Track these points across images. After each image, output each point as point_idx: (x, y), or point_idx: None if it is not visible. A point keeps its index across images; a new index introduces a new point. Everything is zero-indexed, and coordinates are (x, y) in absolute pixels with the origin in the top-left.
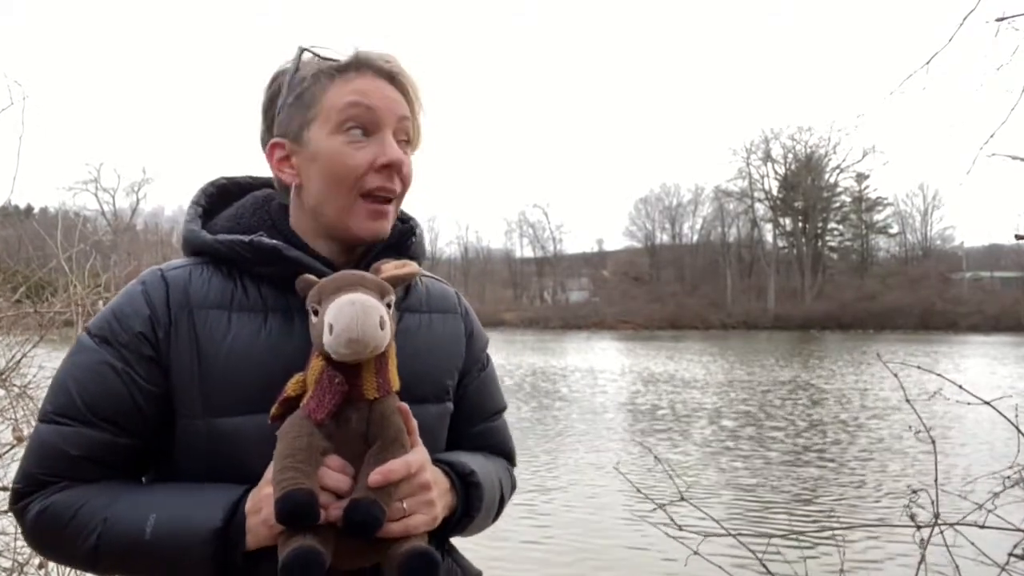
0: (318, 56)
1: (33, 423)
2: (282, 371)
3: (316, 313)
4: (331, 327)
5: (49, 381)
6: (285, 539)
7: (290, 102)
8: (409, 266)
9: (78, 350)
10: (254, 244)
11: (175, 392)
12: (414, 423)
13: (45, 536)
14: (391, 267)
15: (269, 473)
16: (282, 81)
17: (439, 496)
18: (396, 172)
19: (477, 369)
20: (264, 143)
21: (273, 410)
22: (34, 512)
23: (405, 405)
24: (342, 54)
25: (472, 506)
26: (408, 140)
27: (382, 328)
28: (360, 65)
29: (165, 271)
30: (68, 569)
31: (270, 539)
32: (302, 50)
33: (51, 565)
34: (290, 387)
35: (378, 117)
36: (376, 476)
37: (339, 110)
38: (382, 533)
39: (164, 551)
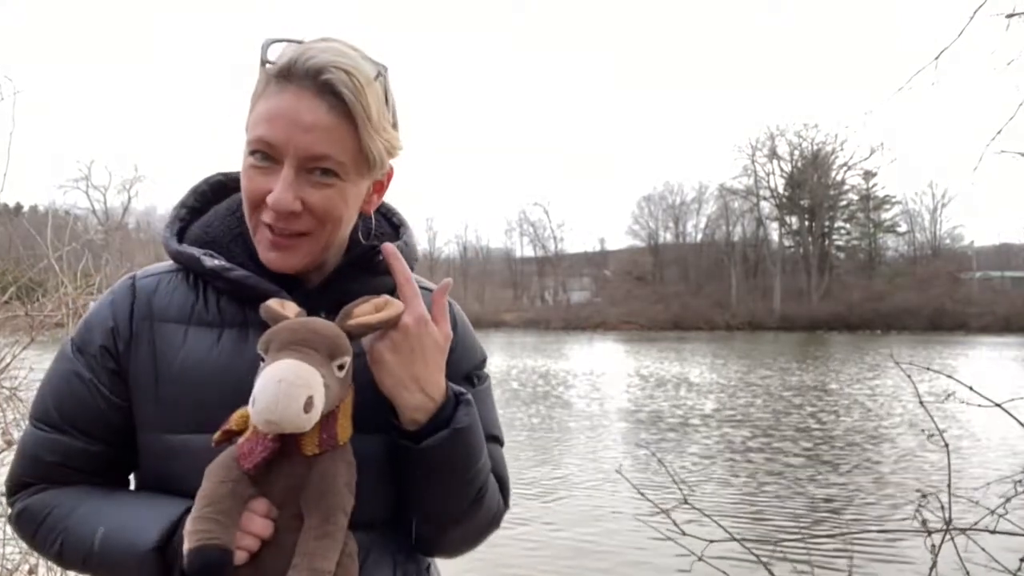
0: (266, 59)
1: (23, 426)
2: (231, 390)
3: (263, 360)
4: (254, 400)
5: (39, 383)
6: None
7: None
8: (388, 309)
9: (59, 357)
10: (200, 261)
11: (134, 405)
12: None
13: (24, 536)
14: (368, 309)
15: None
16: None
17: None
18: (287, 214)
19: (460, 384)
20: None
21: (216, 436)
22: (15, 512)
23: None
24: (283, 56)
25: (457, 419)
26: (337, 167)
27: (307, 411)
28: (288, 75)
29: (138, 279)
30: None
31: None
32: (264, 46)
33: (40, 573)
34: (234, 420)
35: (278, 150)
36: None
37: (251, 131)
38: None
39: (110, 565)
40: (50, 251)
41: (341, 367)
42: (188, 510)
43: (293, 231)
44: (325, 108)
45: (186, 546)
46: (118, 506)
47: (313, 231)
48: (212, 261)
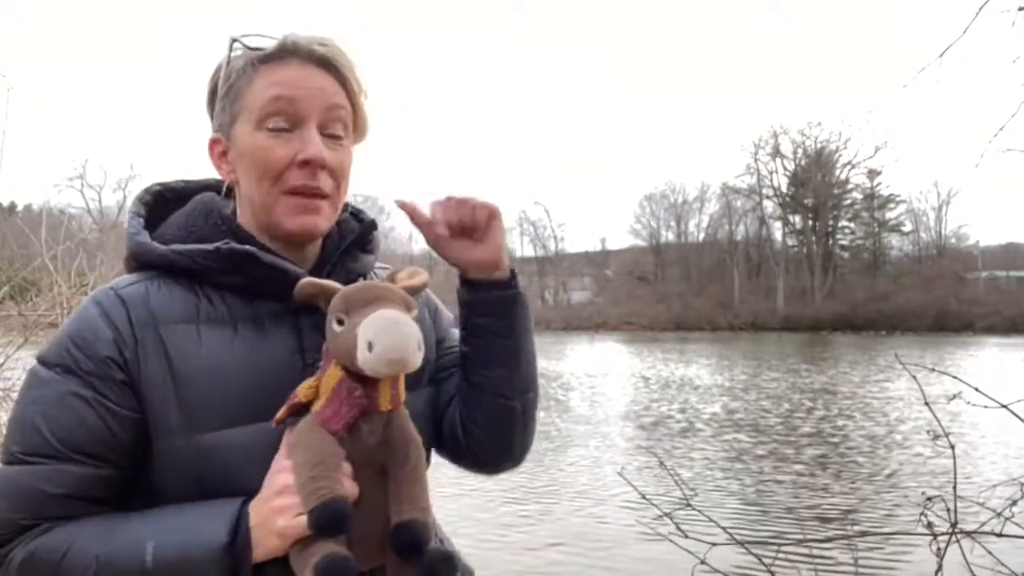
0: (245, 46)
1: None
2: (260, 380)
3: (341, 323)
4: (371, 344)
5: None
6: (304, 546)
7: (221, 96)
8: (420, 275)
9: (38, 384)
10: (223, 252)
11: (150, 414)
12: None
13: None
14: (405, 277)
15: (278, 482)
16: (219, 74)
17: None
18: (320, 168)
19: (453, 329)
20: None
21: (279, 414)
22: (20, 560)
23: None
24: (270, 41)
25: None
26: (343, 130)
27: (420, 350)
28: (286, 52)
29: (118, 289)
30: None
31: (282, 550)
32: (233, 40)
33: None
34: (302, 392)
35: (300, 109)
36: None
37: (260, 104)
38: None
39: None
40: (44, 250)
41: (416, 321)
42: (244, 502)
43: (320, 190)
44: (327, 76)
45: (306, 505)
46: (158, 519)
47: (332, 193)
48: (243, 247)
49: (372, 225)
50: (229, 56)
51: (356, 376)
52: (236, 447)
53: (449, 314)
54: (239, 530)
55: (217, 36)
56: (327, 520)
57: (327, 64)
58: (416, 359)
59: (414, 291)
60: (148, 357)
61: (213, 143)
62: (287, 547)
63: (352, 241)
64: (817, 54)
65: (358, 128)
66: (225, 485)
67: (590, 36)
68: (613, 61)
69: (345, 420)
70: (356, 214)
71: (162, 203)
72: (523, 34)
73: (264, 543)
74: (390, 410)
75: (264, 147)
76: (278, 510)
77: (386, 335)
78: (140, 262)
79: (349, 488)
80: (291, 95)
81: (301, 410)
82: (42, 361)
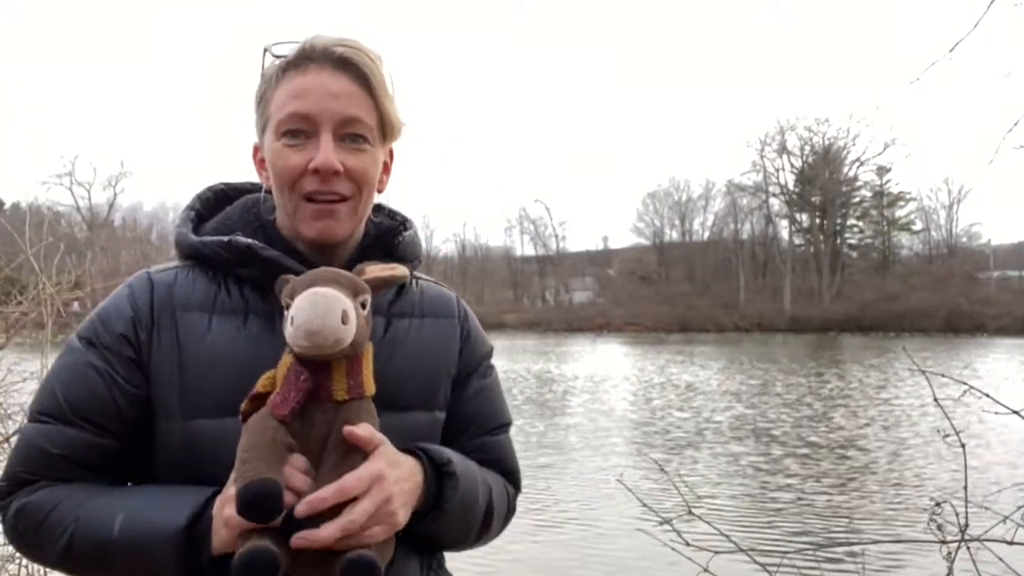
0: (273, 55)
1: (2, 429)
2: (260, 373)
3: (288, 308)
4: (292, 319)
5: (17, 385)
6: (243, 540)
7: (256, 104)
8: (397, 269)
9: (66, 352)
10: (231, 244)
11: (154, 394)
12: (370, 434)
13: (23, 535)
14: (377, 269)
15: (234, 474)
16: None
17: (402, 504)
18: (333, 175)
19: (476, 377)
20: None
21: (243, 406)
22: (13, 510)
23: (361, 427)
24: (293, 48)
25: (445, 497)
26: (362, 135)
27: (345, 323)
28: (305, 59)
29: (153, 273)
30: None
31: (231, 542)
32: (265, 50)
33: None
34: (260, 383)
35: (314, 122)
36: (317, 500)
37: (279, 117)
38: (336, 545)
39: (131, 551)
40: (28, 247)
41: (363, 305)
42: (215, 494)
43: (337, 195)
44: (348, 78)
45: (236, 487)
46: (136, 495)
47: (352, 196)
48: (246, 240)
49: (392, 229)
50: (263, 64)
51: (307, 363)
52: (225, 437)
53: (485, 344)
54: (200, 519)
55: (216, 36)
56: (250, 499)
57: (347, 65)
58: (338, 333)
59: (382, 283)
60: (161, 340)
61: (256, 149)
62: (234, 538)
63: (372, 244)
64: (819, 53)
65: (386, 129)
66: (211, 473)
67: (590, 36)
68: (613, 61)
69: (291, 406)
70: (393, 216)
71: (225, 201)
72: (523, 34)
73: (218, 533)
74: (346, 401)
75: (281, 155)
76: (227, 499)
77: (302, 309)
78: (181, 251)
79: (298, 480)
80: (305, 111)
81: (264, 402)
82: (76, 333)
